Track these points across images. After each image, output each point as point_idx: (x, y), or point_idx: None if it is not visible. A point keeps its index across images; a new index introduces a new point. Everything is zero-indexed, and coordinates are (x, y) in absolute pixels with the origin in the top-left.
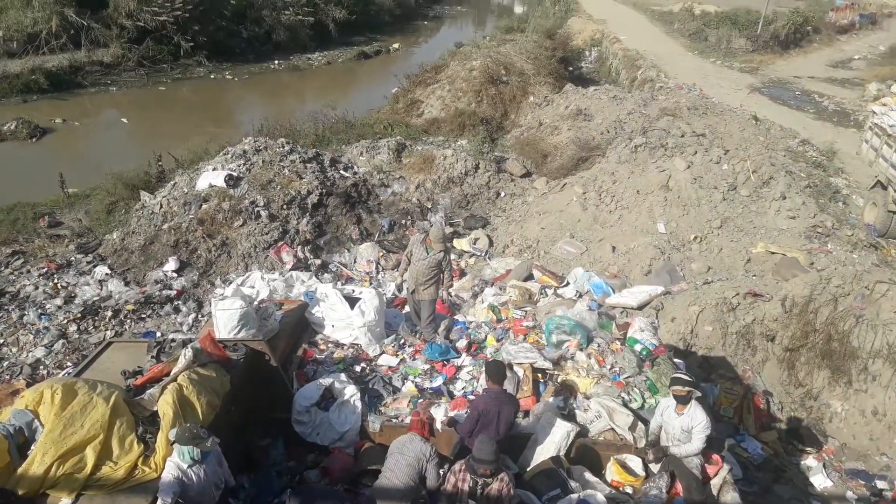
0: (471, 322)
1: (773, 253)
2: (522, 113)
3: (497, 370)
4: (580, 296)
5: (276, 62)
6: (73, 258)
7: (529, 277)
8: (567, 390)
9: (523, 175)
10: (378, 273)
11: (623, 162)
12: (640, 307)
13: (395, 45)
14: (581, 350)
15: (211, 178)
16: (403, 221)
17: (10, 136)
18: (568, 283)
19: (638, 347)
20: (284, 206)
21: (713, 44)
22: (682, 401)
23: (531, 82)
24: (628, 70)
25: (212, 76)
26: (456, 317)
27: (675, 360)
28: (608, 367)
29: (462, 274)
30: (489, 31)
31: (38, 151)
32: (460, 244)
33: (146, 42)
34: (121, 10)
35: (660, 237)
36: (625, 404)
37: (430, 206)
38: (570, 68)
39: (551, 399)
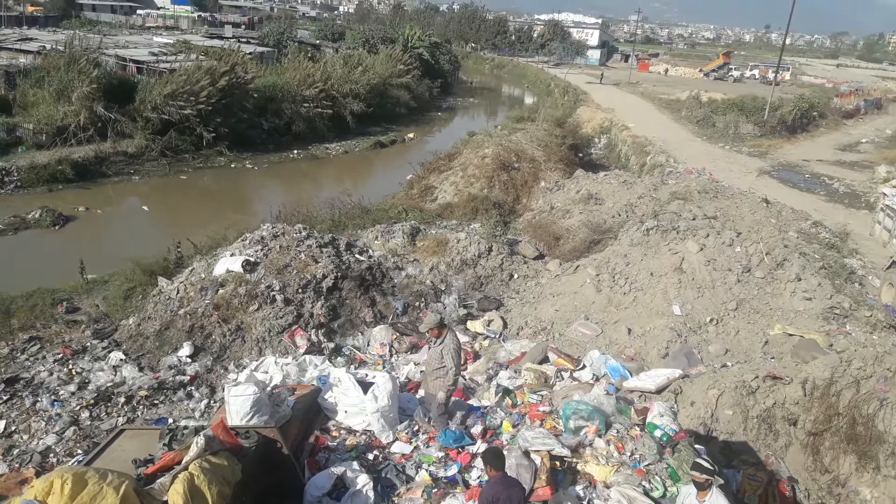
0: (486, 407)
1: (790, 335)
2: (534, 197)
3: (496, 457)
4: (597, 379)
5: (296, 152)
6: (88, 344)
7: (545, 360)
8: (586, 479)
9: (536, 257)
10: (392, 356)
11: (636, 244)
12: (659, 391)
13: (410, 135)
14: (600, 436)
15: (228, 263)
16: (417, 304)
17: (34, 223)
18: (584, 366)
19: (658, 433)
20: (300, 290)
21: (721, 129)
22: (703, 488)
23: (542, 168)
24: (638, 156)
25: (232, 165)
26: (470, 401)
27: (696, 445)
28: (628, 454)
29: (476, 356)
30: (501, 120)
31: (61, 239)
32: (474, 326)
33: (170, 133)
34: (147, 103)
35: (675, 319)
36: (646, 493)
37: (443, 289)
38: (580, 155)
39: (570, 489)
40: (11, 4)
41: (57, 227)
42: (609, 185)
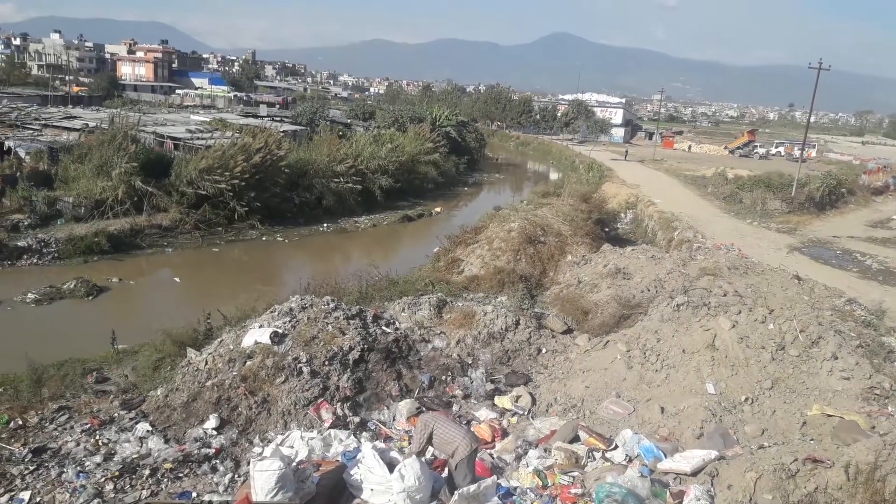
0: (515, 487)
1: (829, 416)
2: (561, 271)
3: None
4: (630, 460)
5: (325, 225)
6: (116, 414)
7: (576, 439)
8: None
9: (564, 331)
10: None
11: (666, 320)
12: (694, 473)
13: (437, 209)
14: None
15: (257, 335)
16: (444, 377)
17: (68, 294)
18: (616, 446)
19: None
20: (326, 363)
21: (748, 206)
22: None
23: (568, 242)
24: (665, 231)
25: (263, 238)
26: (499, 481)
27: None
28: None
29: (504, 434)
30: (526, 195)
31: (94, 309)
32: (502, 402)
33: (204, 207)
34: (182, 178)
35: (710, 398)
36: None
37: (470, 362)
38: (607, 229)
39: None
40: (58, 85)
41: (90, 298)
42: (637, 260)
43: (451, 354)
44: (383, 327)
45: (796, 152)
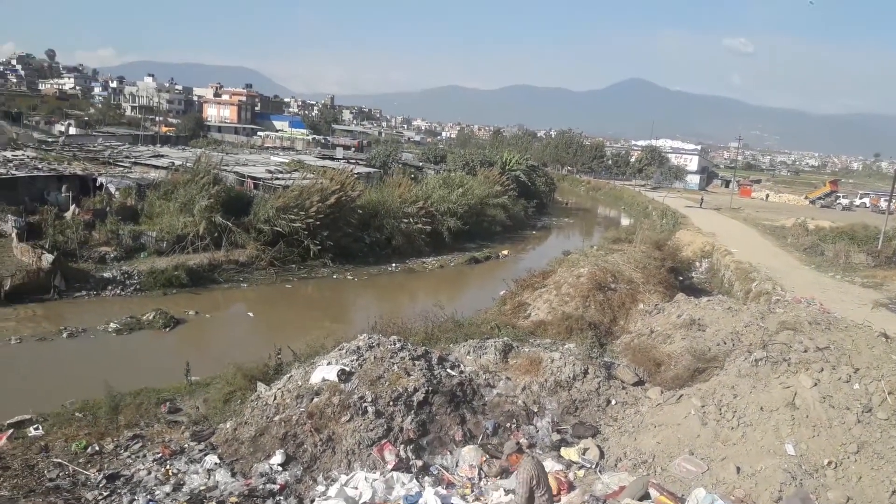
0: None
1: None
2: (632, 319)
3: None
4: None
5: (394, 265)
6: (186, 445)
7: (646, 497)
8: None
9: (635, 383)
10: (480, 480)
11: (744, 376)
12: None
13: (505, 252)
14: None
15: (325, 372)
16: (508, 424)
17: (147, 325)
18: None
19: None
20: (391, 403)
21: (830, 258)
22: None
23: (640, 290)
24: (742, 282)
25: (334, 276)
26: None
27: None
28: None
29: (570, 487)
30: (596, 241)
31: (170, 341)
32: (568, 454)
33: (279, 244)
34: (261, 216)
35: (789, 460)
36: None
37: (536, 410)
38: (681, 278)
39: None
40: (149, 125)
41: (168, 330)
42: (712, 311)
43: (516, 401)
44: (448, 370)
45: (883, 204)
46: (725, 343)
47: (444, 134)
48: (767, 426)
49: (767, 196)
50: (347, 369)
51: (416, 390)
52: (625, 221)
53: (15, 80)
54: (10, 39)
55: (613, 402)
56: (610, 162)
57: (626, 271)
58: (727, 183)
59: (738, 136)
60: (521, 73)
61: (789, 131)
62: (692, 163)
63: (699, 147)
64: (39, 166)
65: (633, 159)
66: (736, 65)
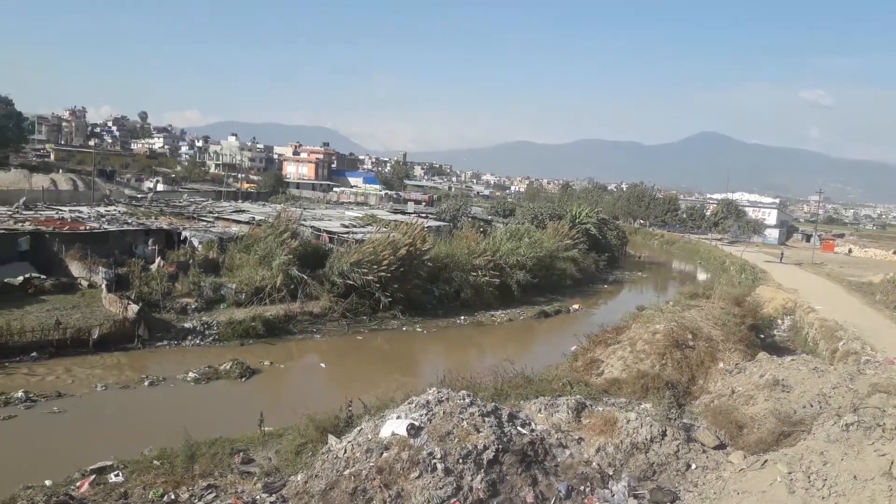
0: None
1: None
2: (712, 379)
3: None
4: None
5: (463, 318)
6: (258, 497)
7: None
8: None
9: (717, 446)
10: None
11: (834, 441)
12: None
13: (575, 306)
14: None
15: (394, 426)
16: (582, 487)
17: (224, 374)
18: None
19: None
20: (460, 460)
21: None
22: None
23: (720, 348)
24: (827, 341)
25: (404, 328)
26: None
27: None
28: None
29: None
30: (671, 296)
31: (245, 390)
32: None
33: (351, 297)
34: (335, 269)
35: None
36: None
37: (611, 473)
38: (762, 336)
39: None
40: (231, 182)
41: (244, 380)
42: (797, 372)
43: (590, 463)
44: (519, 427)
45: None
46: (812, 406)
47: (512, 188)
48: (862, 497)
49: (851, 251)
50: (417, 424)
51: (485, 448)
52: (701, 276)
53: (110, 140)
54: (107, 102)
55: (693, 466)
56: (684, 215)
57: (705, 328)
58: (808, 237)
59: (818, 189)
60: (591, 126)
61: (874, 184)
62: (770, 216)
63: (777, 200)
64: (129, 221)
65: (708, 213)
66: (814, 117)
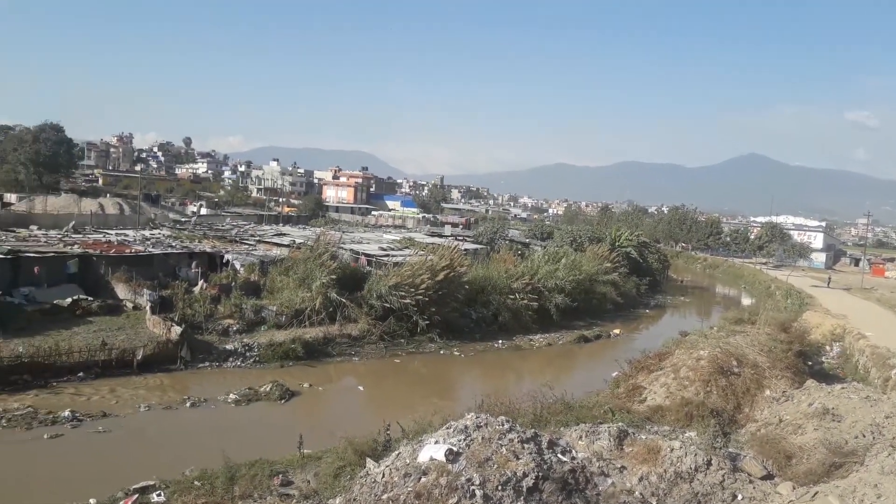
0: None
1: None
2: (758, 407)
3: None
4: None
5: (500, 342)
6: None
7: None
8: None
9: (764, 477)
10: None
11: (888, 473)
12: None
13: (616, 331)
14: None
15: (432, 451)
16: None
17: (264, 396)
18: None
19: None
20: (499, 487)
21: None
22: None
23: (766, 375)
24: (879, 368)
25: (441, 352)
26: None
27: None
28: None
29: None
30: (715, 321)
31: (285, 412)
32: None
33: (389, 319)
34: (373, 292)
35: None
36: None
37: (654, 503)
38: (809, 363)
39: None
40: (272, 205)
41: (283, 402)
42: (848, 401)
43: (632, 492)
44: (559, 455)
45: None
46: (865, 436)
47: (550, 211)
48: None
49: None
50: (455, 449)
51: (525, 475)
52: (746, 301)
53: (155, 166)
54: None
55: (740, 496)
56: (727, 239)
57: (750, 355)
58: (857, 261)
59: (865, 212)
60: (629, 149)
61: None
62: (817, 240)
63: (823, 224)
64: (173, 244)
65: (752, 236)
66: (860, 139)
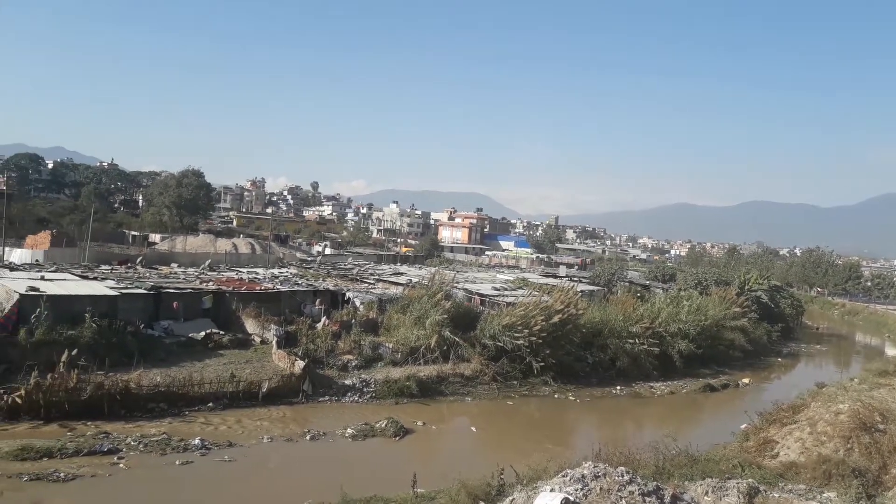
0: None
1: None
2: None
3: None
4: None
5: (618, 388)
6: None
7: None
8: None
9: None
10: None
11: None
12: None
13: (745, 380)
14: None
15: (547, 499)
16: None
17: (379, 432)
18: None
19: None
20: None
21: None
22: None
23: None
24: None
25: (555, 395)
26: None
27: None
28: None
29: None
30: (856, 372)
31: (399, 449)
32: None
33: (502, 360)
34: (486, 332)
35: None
36: None
37: None
38: None
39: None
40: (391, 246)
41: (398, 438)
42: None
43: None
44: None
45: None
46: None
47: (672, 252)
48: None
49: None
50: (572, 499)
51: None
52: (890, 352)
53: (285, 208)
54: (284, 174)
55: None
56: (868, 283)
57: None
58: None
59: None
60: (757, 188)
61: None
62: None
63: None
64: (299, 282)
65: None
66: None
